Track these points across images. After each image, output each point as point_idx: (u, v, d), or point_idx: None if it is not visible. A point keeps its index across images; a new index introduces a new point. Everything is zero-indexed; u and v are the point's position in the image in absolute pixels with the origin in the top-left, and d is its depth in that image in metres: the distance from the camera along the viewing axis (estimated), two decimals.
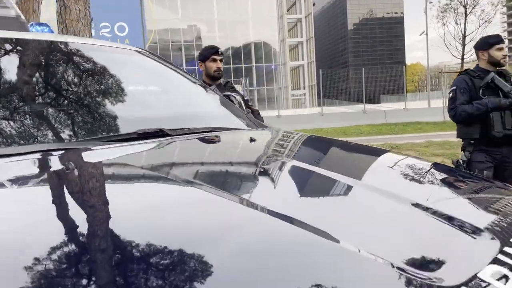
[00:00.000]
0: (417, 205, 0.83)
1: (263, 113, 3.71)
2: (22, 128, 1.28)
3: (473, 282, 0.58)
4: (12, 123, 1.32)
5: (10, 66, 1.60)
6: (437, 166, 1.25)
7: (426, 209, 0.81)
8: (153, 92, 1.92)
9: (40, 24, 2.33)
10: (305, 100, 45.51)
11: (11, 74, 1.58)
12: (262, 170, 1.08)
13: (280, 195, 0.88)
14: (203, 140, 1.33)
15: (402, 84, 25.04)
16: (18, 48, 1.72)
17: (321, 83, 24.46)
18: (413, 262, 0.62)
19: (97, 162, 1.07)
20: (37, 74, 1.68)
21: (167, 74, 2.09)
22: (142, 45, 38.32)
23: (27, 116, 1.38)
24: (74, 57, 1.79)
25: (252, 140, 1.34)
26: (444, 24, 31.36)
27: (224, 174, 1.05)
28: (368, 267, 0.60)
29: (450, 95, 3.16)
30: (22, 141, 1.17)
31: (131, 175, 0.96)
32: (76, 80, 1.74)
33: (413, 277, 0.57)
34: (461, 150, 3.18)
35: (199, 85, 2.13)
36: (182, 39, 42.91)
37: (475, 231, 0.75)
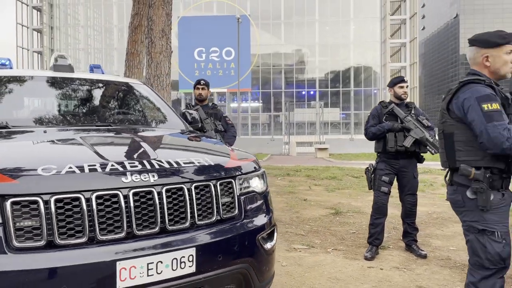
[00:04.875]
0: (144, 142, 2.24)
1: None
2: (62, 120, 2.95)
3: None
4: (63, 117, 3.00)
5: (66, 89, 3.33)
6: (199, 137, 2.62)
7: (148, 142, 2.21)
8: (127, 106, 3.54)
9: (95, 66, 4.07)
10: None
11: (66, 93, 3.31)
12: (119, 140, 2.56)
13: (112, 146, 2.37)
14: (122, 130, 2.85)
15: None
16: (69, 81, 3.42)
17: (422, 109, 24.36)
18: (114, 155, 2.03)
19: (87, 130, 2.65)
20: (76, 92, 3.38)
21: (144, 97, 3.67)
22: (245, 68, 41.44)
23: (71, 115, 3.05)
24: (90, 86, 3.48)
25: (144, 130, 2.82)
26: None
27: (107, 141, 2.55)
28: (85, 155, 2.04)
29: (366, 120, 4.25)
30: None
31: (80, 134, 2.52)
32: (90, 97, 3.43)
33: (106, 161, 2.01)
34: (375, 161, 4.23)
35: (163, 107, 3.63)
36: (283, 63, 45.21)
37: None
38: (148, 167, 2.02)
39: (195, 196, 2.09)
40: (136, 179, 1.93)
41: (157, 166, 2.05)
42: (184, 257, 1.94)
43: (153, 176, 1.98)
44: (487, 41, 2.20)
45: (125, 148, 2.38)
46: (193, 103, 4.76)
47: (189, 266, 1.95)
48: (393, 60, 46.11)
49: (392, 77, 44.93)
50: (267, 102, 43.42)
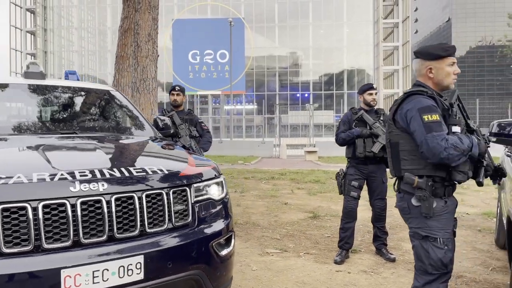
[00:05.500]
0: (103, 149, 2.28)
1: None
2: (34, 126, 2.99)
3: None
4: (29, 125, 3.04)
5: (35, 96, 3.38)
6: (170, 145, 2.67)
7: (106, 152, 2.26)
8: (94, 111, 3.59)
9: (70, 71, 4.11)
10: None
11: (34, 100, 3.35)
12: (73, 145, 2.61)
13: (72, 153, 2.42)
14: (85, 137, 2.90)
15: None
16: (38, 88, 3.47)
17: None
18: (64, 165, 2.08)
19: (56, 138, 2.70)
20: (45, 99, 3.43)
21: (115, 104, 3.72)
22: (240, 71, 41.53)
23: (37, 122, 3.10)
24: (60, 92, 3.52)
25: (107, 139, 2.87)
26: None
27: (66, 146, 2.60)
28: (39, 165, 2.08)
29: (338, 126, 4.32)
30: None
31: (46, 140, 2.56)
32: (59, 104, 3.47)
33: (55, 169, 2.05)
34: (345, 166, 4.30)
35: (133, 114, 3.68)
36: (277, 65, 45.35)
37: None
38: (98, 176, 2.07)
39: (146, 205, 2.14)
40: (85, 188, 1.98)
41: (107, 175, 2.10)
42: (131, 264, 1.99)
43: (103, 185, 2.03)
44: (430, 54, 2.28)
45: (81, 156, 2.44)
46: (168, 109, 4.82)
47: (137, 274, 2.01)
48: (386, 63, 46.34)
49: (384, 80, 45.32)
50: (261, 105, 43.53)
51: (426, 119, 2.10)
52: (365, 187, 4.26)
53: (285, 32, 45.16)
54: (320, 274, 3.75)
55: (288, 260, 4.12)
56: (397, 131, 2.28)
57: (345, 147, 4.31)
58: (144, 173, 2.23)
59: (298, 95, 45.21)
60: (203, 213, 2.41)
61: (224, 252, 2.46)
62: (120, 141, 2.98)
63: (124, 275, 1.97)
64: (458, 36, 65.27)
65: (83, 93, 3.67)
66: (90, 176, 2.05)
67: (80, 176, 2.03)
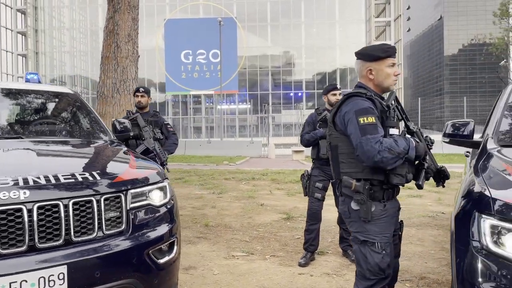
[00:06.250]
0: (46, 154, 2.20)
1: None
2: None
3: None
4: None
5: None
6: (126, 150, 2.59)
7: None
8: (48, 115, 3.51)
9: (31, 73, 4.02)
10: None
11: None
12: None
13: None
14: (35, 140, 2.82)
15: None
16: None
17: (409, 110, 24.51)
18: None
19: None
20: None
21: (70, 106, 3.64)
22: (232, 70, 41.44)
23: None
24: (11, 95, 3.44)
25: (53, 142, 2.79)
26: None
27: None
28: None
29: (303, 126, 4.26)
30: None
31: None
32: (9, 107, 3.39)
33: None
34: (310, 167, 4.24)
35: (88, 117, 3.61)
36: (270, 64, 45.28)
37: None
38: (21, 183, 2.00)
39: (73, 213, 2.06)
40: (4, 196, 1.91)
41: (31, 182, 2.02)
42: (53, 275, 1.92)
43: (25, 193, 1.96)
44: (369, 55, 2.21)
45: (9, 162, 2.35)
46: (133, 111, 4.74)
47: (60, 285, 1.93)
48: None
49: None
50: (254, 104, 43.48)
51: (362, 122, 2.04)
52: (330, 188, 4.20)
53: (278, 31, 45.11)
54: (282, 278, 3.69)
55: (252, 263, 4.05)
56: (337, 133, 2.22)
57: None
58: (73, 180, 2.15)
59: (291, 94, 45.21)
60: (140, 219, 2.34)
61: (164, 259, 2.39)
62: (63, 145, 2.91)
63: (45, 286, 1.89)
64: (450, 34, 65.39)
65: (37, 95, 3.58)
66: (11, 183, 1.98)
67: (1, 184, 1.96)
